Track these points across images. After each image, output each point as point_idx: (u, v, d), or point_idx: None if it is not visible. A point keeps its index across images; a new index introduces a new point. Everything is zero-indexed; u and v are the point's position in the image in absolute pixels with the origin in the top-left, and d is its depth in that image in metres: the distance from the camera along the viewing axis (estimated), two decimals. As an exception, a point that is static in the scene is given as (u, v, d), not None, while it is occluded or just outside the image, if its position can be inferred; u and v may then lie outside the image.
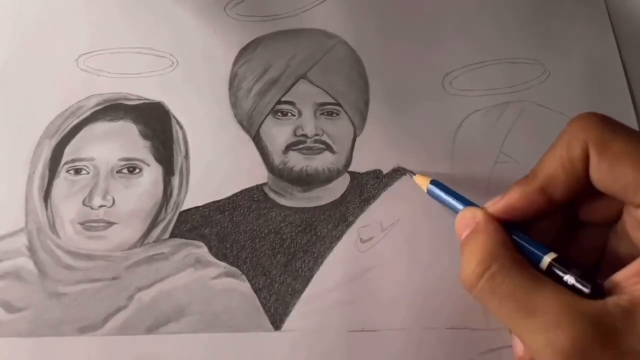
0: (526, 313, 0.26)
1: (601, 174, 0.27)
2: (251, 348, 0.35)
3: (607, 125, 0.28)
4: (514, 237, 0.30)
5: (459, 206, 0.34)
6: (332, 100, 0.43)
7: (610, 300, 0.26)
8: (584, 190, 0.29)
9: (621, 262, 0.27)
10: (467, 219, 0.31)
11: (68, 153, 0.41)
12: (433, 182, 0.37)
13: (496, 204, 0.31)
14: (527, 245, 0.30)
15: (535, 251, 0.29)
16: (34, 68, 0.44)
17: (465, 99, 0.43)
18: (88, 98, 0.42)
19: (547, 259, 0.29)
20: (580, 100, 0.43)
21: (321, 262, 0.38)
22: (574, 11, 0.47)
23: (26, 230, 0.39)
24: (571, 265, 0.28)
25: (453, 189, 0.36)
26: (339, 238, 0.39)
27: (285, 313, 0.36)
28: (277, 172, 0.41)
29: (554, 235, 0.32)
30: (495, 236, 0.29)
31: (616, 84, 0.44)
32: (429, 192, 0.37)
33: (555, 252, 0.29)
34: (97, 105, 0.42)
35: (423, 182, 0.38)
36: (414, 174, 0.39)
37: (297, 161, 0.41)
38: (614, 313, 0.25)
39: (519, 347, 0.32)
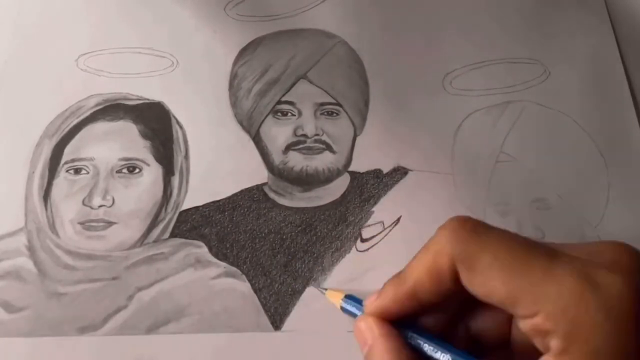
0: None
1: (475, 288, 0.26)
2: (251, 348, 0.35)
3: (474, 236, 0.26)
4: (412, 336, 0.29)
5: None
6: (332, 100, 0.43)
7: None
8: (458, 297, 0.28)
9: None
10: (364, 335, 0.29)
11: (68, 153, 0.41)
12: (347, 297, 0.34)
13: (373, 304, 0.30)
14: (425, 344, 0.29)
15: (433, 354, 0.28)
16: (34, 68, 0.44)
17: (465, 98, 0.43)
18: (88, 98, 0.42)
19: None
20: (581, 100, 0.43)
21: (321, 262, 0.38)
22: (574, 11, 0.47)
23: (26, 230, 0.38)
24: None
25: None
26: (339, 238, 0.39)
27: (285, 313, 0.36)
28: (277, 172, 0.41)
29: (450, 319, 0.30)
30: (392, 353, 0.28)
31: (617, 83, 0.44)
32: (342, 309, 0.35)
33: (453, 343, 0.29)
34: (97, 105, 0.42)
35: (336, 298, 0.35)
36: (325, 290, 0.36)
37: (297, 161, 0.41)
38: None
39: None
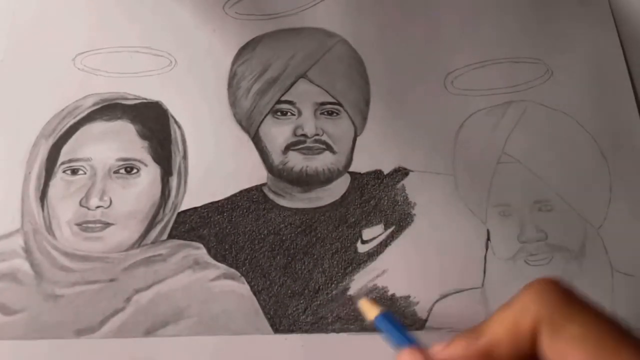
0: None
1: (553, 356, 0.25)
2: (250, 351, 0.35)
3: (564, 301, 0.26)
4: None
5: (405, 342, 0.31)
6: (333, 100, 0.43)
7: None
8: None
9: None
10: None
11: (65, 153, 0.40)
12: (385, 315, 0.32)
13: (440, 354, 0.29)
14: None
15: None
16: (30, 67, 0.43)
17: (467, 98, 0.43)
18: (85, 98, 0.42)
19: None
20: (583, 100, 0.43)
21: (321, 264, 0.38)
22: (576, 10, 0.47)
23: (22, 231, 0.38)
24: None
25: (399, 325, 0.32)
26: (339, 239, 0.38)
27: (285, 315, 0.36)
28: (276, 172, 0.41)
29: None
30: None
31: (619, 82, 0.44)
32: (376, 324, 0.33)
33: None
34: (94, 104, 0.42)
35: (371, 311, 0.33)
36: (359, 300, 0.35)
37: (296, 161, 0.41)
38: None
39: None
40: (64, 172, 0.40)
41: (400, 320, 0.33)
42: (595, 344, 0.24)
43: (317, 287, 0.37)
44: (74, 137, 0.41)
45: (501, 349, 0.27)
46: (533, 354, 0.26)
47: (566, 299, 0.26)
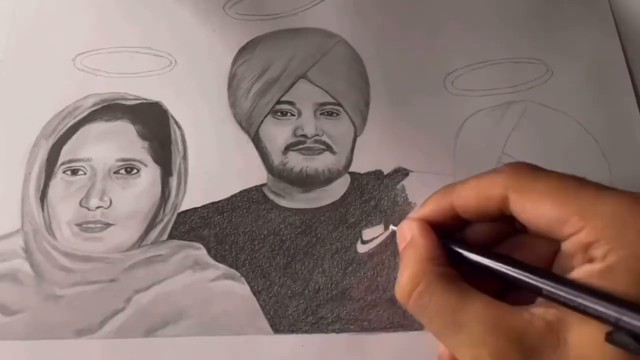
0: (453, 330, 0.27)
1: (525, 215, 0.28)
2: (250, 351, 0.35)
3: (530, 170, 0.29)
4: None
5: None
6: (332, 100, 0.42)
7: (537, 313, 0.26)
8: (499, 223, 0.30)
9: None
10: (404, 232, 0.31)
11: (65, 153, 0.40)
12: None
13: (417, 211, 0.32)
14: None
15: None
16: (30, 67, 0.43)
17: (467, 99, 0.43)
18: (85, 98, 0.42)
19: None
20: (584, 100, 0.43)
21: (321, 264, 0.38)
22: (577, 10, 0.47)
23: (22, 231, 0.38)
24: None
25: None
26: (339, 240, 0.38)
27: (285, 316, 0.36)
28: (276, 172, 0.41)
29: (494, 240, 0.31)
30: (426, 251, 0.30)
31: (620, 83, 0.44)
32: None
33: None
34: (94, 105, 0.42)
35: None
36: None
37: (296, 162, 0.41)
38: (538, 327, 0.25)
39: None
40: (64, 172, 0.40)
41: None
42: (561, 191, 0.27)
43: (317, 287, 0.37)
44: (74, 137, 0.41)
45: (469, 208, 0.30)
46: (502, 218, 0.29)
47: (532, 168, 0.29)
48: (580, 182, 0.27)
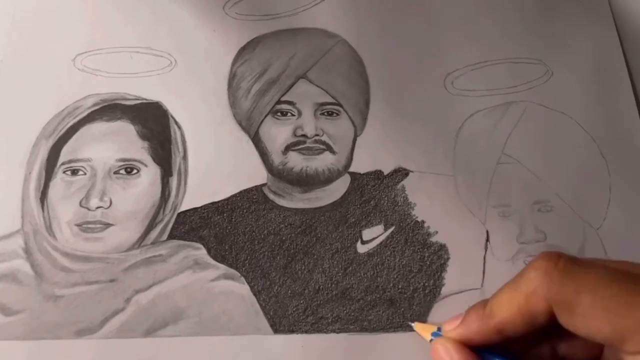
0: None
1: (577, 330, 0.26)
2: (250, 351, 0.35)
3: (568, 276, 0.26)
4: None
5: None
6: (332, 100, 0.42)
7: None
8: (549, 332, 0.28)
9: None
10: (440, 353, 0.30)
11: (65, 153, 0.40)
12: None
13: (455, 331, 0.30)
14: None
15: None
16: (30, 68, 0.43)
17: (467, 99, 0.43)
18: (85, 98, 0.42)
19: None
20: (583, 101, 0.43)
21: (321, 264, 0.38)
22: (577, 11, 0.47)
23: (22, 232, 0.38)
24: None
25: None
26: (339, 239, 0.38)
27: (285, 315, 0.36)
28: (276, 172, 0.41)
29: (534, 341, 0.30)
30: None
31: (619, 83, 0.44)
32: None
33: None
34: (94, 105, 0.42)
35: (426, 332, 0.34)
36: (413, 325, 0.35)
37: (296, 162, 0.41)
38: None
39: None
40: (64, 172, 0.40)
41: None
42: (611, 304, 0.25)
43: (317, 287, 0.37)
44: (74, 137, 0.41)
45: (515, 327, 0.27)
46: (553, 324, 0.27)
47: (570, 271, 0.26)
48: (630, 285, 0.25)
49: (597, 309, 0.25)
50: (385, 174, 0.41)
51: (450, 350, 0.29)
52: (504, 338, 0.28)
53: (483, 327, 0.29)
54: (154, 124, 0.41)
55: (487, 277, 0.37)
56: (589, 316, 0.25)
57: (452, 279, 0.37)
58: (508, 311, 0.27)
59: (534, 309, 0.26)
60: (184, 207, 0.39)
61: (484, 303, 0.29)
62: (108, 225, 0.38)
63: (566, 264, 0.26)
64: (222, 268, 0.37)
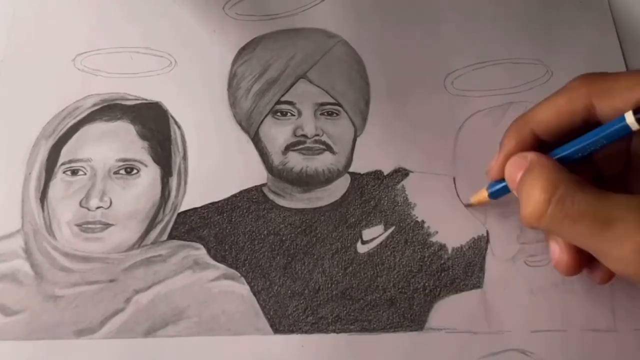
0: (604, 225, 0.27)
1: (614, 111, 0.30)
2: (250, 351, 0.35)
3: (606, 75, 0.31)
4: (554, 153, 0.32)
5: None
6: (332, 100, 0.42)
7: None
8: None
9: None
10: (518, 162, 0.32)
11: (65, 154, 0.40)
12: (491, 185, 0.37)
13: (502, 151, 0.34)
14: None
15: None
16: (30, 68, 0.43)
17: (467, 99, 0.43)
18: (85, 98, 0.42)
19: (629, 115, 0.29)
20: (583, 101, 0.43)
21: (321, 264, 0.38)
22: (577, 11, 0.47)
23: (22, 232, 0.38)
24: None
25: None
26: (339, 240, 0.38)
27: (285, 316, 0.36)
28: (276, 172, 0.41)
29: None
30: (552, 166, 0.31)
31: (620, 84, 0.44)
32: (491, 195, 0.37)
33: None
34: (94, 105, 0.42)
35: (482, 195, 0.38)
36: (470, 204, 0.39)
37: (296, 162, 0.41)
38: None
39: (557, 250, 0.33)
40: (64, 172, 0.40)
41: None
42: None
43: (317, 287, 0.37)
44: (74, 137, 0.41)
45: (549, 129, 0.33)
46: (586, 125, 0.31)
47: (606, 73, 0.31)
48: None
49: (635, 89, 0.29)
50: (385, 174, 0.41)
51: (525, 155, 0.32)
52: (542, 142, 0.33)
53: (521, 134, 0.33)
54: (154, 124, 0.41)
55: (487, 277, 0.37)
56: (626, 95, 0.29)
57: (452, 279, 0.37)
58: (545, 115, 0.32)
59: (572, 108, 0.31)
60: (184, 207, 0.39)
61: (521, 116, 0.34)
62: (108, 225, 0.38)
63: (602, 73, 0.31)
64: (222, 268, 0.37)
